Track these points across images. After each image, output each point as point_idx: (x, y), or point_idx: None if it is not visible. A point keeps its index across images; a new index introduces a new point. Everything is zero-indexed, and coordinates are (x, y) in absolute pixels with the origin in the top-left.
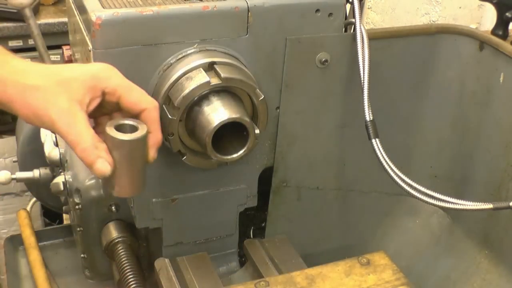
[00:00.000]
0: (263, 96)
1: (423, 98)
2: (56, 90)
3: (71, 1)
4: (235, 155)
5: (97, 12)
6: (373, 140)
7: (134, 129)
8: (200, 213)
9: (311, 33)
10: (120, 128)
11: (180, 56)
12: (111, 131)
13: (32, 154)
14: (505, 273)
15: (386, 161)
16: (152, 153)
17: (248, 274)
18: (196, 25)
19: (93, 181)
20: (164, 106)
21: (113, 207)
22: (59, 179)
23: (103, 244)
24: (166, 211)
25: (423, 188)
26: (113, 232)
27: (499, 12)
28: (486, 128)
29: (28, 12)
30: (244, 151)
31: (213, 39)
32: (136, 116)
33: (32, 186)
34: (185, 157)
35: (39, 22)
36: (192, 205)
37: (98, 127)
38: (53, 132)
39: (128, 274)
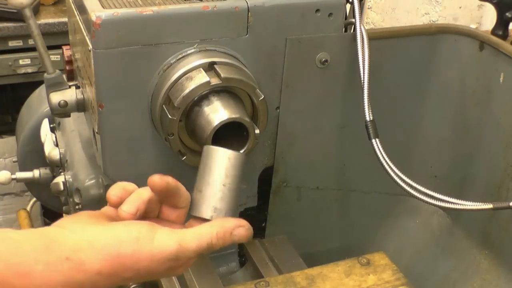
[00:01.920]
0: (263, 96)
1: (423, 98)
2: None
3: (71, 1)
4: None
5: (97, 12)
6: (373, 140)
7: None
8: None
9: (311, 33)
10: None
11: (180, 56)
12: None
13: (32, 154)
14: (505, 273)
15: (386, 161)
16: None
17: (248, 274)
18: (196, 25)
19: (93, 181)
20: (164, 106)
21: None
22: (59, 179)
23: None
24: None
25: (423, 188)
26: None
27: (499, 12)
28: (486, 128)
29: (28, 12)
30: (244, 151)
31: (213, 39)
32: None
33: (32, 186)
34: (185, 157)
35: (39, 22)
36: None
37: None
38: None
39: None
